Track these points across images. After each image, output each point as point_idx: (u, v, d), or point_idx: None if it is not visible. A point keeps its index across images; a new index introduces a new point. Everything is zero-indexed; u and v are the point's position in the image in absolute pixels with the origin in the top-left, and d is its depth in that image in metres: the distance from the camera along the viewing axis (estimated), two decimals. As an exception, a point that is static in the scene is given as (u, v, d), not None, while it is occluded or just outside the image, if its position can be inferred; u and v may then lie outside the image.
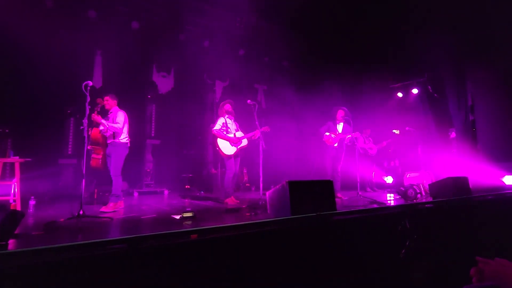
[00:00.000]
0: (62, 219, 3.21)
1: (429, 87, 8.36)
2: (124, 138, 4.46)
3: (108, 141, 4.39)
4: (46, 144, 6.31)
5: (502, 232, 3.47)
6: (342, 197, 5.38)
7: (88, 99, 3.56)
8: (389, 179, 8.09)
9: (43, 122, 6.32)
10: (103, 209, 4.09)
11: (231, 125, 5.24)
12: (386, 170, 8.43)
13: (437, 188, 4.69)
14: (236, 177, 5.28)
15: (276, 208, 3.36)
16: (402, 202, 4.68)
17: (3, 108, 5.87)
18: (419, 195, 4.89)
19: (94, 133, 4.29)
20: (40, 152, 5.92)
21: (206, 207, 4.68)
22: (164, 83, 8.19)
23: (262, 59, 9.27)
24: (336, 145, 5.86)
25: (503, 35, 6.38)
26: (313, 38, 8.40)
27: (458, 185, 4.52)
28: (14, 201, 4.17)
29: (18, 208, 4.08)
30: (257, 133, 4.99)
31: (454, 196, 4.25)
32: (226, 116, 5.24)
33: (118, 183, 4.30)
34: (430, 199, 4.75)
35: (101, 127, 4.33)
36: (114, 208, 4.17)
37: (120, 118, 4.44)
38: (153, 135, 8.18)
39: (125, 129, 4.51)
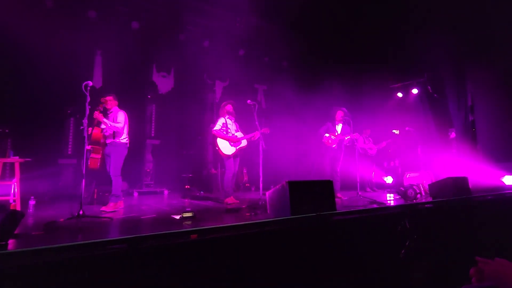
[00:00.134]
0: (62, 219, 3.21)
1: (429, 87, 8.36)
2: (124, 138, 4.47)
3: (108, 141, 4.39)
4: (46, 144, 6.30)
5: (502, 232, 3.47)
6: (342, 197, 5.38)
7: (88, 99, 3.56)
8: (389, 179, 8.09)
9: (43, 122, 6.32)
10: (103, 209, 4.10)
11: (231, 125, 5.25)
12: (386, 170, 8.43)
13: (437, 188, 4.69)
14: (235, 177, 5.29)
15: (276, 208, 3.36)
16: (402, 202, 4.68)
17: (3, 108, 5.87)
18: (419, 195, 4.90)
19: (95, 132, 4.26)
20: (40, 152, 5.92)
21: (206, 207, 4.68)
22: (164, 83, 8.19)
23: (262, 59, 9.26)
24: (335, 146, 5.88)
25: (503, 35, 6.39)
26: (313, 38, 8.40)
27: (458, 185, 4.52)
28: (14, 201, 4.17)
29: (18, 208, 4.08)
30: (256, 134, 4.99)
31: (454, 196, 4.25)
32: (227, 116, 5.25)
33: (118, 183, 4.31)
34: (430, 199, 4.76)
35: (103, 126, 4.32)
36: (114, 208, 4.17)
37: (121, 118, 4.44)
38: (153, 135, 8.18)
39: (125, 129, 4.51)
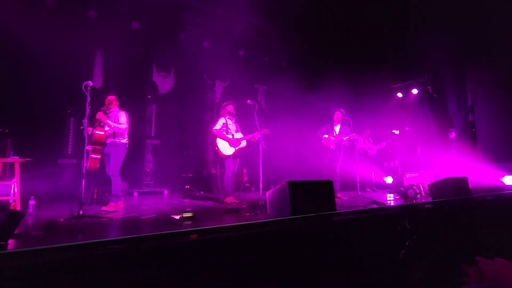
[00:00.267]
0: (62, 219, 3.21)
1: (429, 87, 8.36)
2: (124, 138, 4.46)
3: (108, 141, 4.38)
4: (46, 144, 6.31)
5: (502, 232, 3.47)
6: (342, 197, 5.39)
7: (88, 99, 3.56)
8: (388, 179, 8.09)
9: (43, 122, 6.32)
10: (104, 209, 4.10)
11: (231, 126, 5.25)
12: (386, 170, 8.43)
13: (437, 188, 4.69)
14: (235, 177, 5.30)
15: (276, 208, 3.36)
16: (401, 202, 4.68)
17: (3, 108, 5.87)
18: (418, 195, 4.90)
19: (99, 133, 4.22)
20: (40, 152, 5.92)
21: (206, 207, 4.68)
22: (164, 83, 8.19)
23: (262, 59, 9.27)
24: (333, 146, 5.91)
25: (503, 35, 6.38)
26: (313, 38, 8.40)
27: (458, 185, 4.52)
28: (14, 201, 4.17)
29: (18, 208, 4.08)
30: (256, 135, 4.99)
31: (453, 196, 4.25)
32: (227, 116, 5.25)
33: (118, 183, 4.30)
34: (429, 199, 4.76)
35: (106, 128, 4.30)
36: (115, 208, 4.18)
37: (123, 119, 4.43)
38: (153, 135, 8.18)
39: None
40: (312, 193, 3.13)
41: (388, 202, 5.06)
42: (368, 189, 7.39)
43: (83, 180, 3.55)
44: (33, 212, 4.10)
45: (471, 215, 3.85)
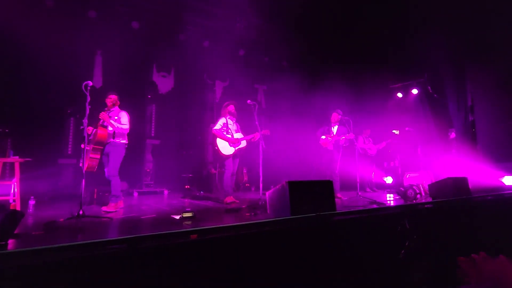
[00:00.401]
0: (62, 219, 3.21)
1: (429, 87, 8.36)
2: (124, 139, 4.44)
3: (107, 141, 4.36)
4: (46, 144, 6.31)
5: (502, 233, 3.47)
6: (342, 198, 5.39)
7: (88, 99, 3.56)
8: (388, 180, 8.09)
9: (43, 122, 6.32)
10: (104, 209, 4.09)
11: (232, 126, 5.25)
12: (386, 170, 8.43)
13: (437, 188, 4.69)
14: (234, 177, 5.30)
15: (276, 208, 3.36)
16: (401, 202, 4.68)
17: (3, 108, 5.87)
18: (418, 196, 4.90)
19: (101, 133, 4.17)
20: (40, 152, 5.92)
21: (206, 207, 4.68)
22: (164, 83, 8.19)
23: (262, 59, 9.27)
24: (331, 147, 5.96)
25: (503, 36, 6.39)
26: (313, 38, 8.40)
27: (458, 185, 4.52)
28: (14, 201, 4.17)
29: (18, 208, 4.08)
30: (256, 135, 4.99)
31: (453, 196, 4.25)
32: (228, 116, 5.25)
33: (117, 183, 4.28)
34: (429, 199, 4.76)
35: (110, 128, 4.28)
36: (115, 208, 4.17)
37: (125, 119, 4.40)
38: (153, 135, 8.18)
39: None
40: (312, 193, 3.13)
41: (388, 202, 5.06)
42: (368, 189, 7.39)
43: (83, 180, 3.55)
44: (33, 212, 4.10)
45: (471, 215, 3.85)
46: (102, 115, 4.22)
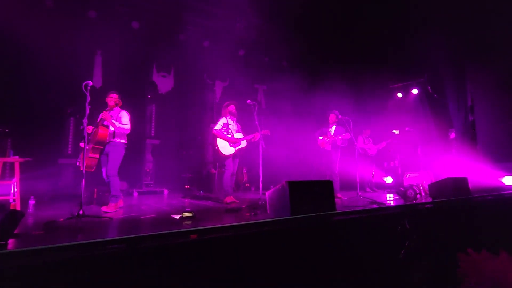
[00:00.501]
0: (61, 219, 3.21)
1: (429, 87, 8.36)
2: (123, 139, 4.43)
3: (107, 140, 4.33)
4: (46, 144, 6.30)
5: (502, 233, 3.47)
6: (342, 197, 5.39)
7: (88, 99, 3.55)
8: (388, 180, 8.09)
9: (43, 122, 6.32)
10: (104, 209, 4.09)
11: (232, 126, 5.25)
12: (386, 170, 8.43)
13: (437, 188, 4.69)
14: (234, 177, 5.30)
15: (275, 208, 3.36)
16: (401, 202, 4.68)
17: (3, 108, 5.86)
18: (418, 196, 4.90)
19: (102, 132, 4.12)
20: (40, 152, 5.92)
21: (206, 207, 4.68)
22: (164, 83, 8.20)
23: (262, 59, 9.27)
24: (329, 147, 6.00)
25: (503, 36, 6.39)
26: (313, 38, 8.40)
27: (458, 185, 4.52)
28: (14, 200, 4.17)
29: (18, 207, 4.08)
30: (257, 136, 4.99)
31: (453, 196, 4.25)
32: (229, 116, 5.25)
33: (116, 183, 4.26)
34: (429, 199, 4.76)
35: (112, 128, 4.25)
36: (115, 208, 4.17)
37: (126, 119, 4.37)
38: (153, 135, 8.18)
39: None
40: (312, 193, 3.14)
41: (388, 202, 5.06)
42: (368, 189, 7.39)
43: (83, 180, 3.54)
44: (33, 212, 4.10)
45: (471, 215, 3.85)
46: (104, 114, 4.19)
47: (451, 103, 7.66)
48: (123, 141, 4.40)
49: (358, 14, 7.52)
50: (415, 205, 4.14)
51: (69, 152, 6.90)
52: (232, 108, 5.29)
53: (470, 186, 4.71)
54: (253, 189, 8.18)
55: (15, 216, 2.20)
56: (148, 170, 7.64)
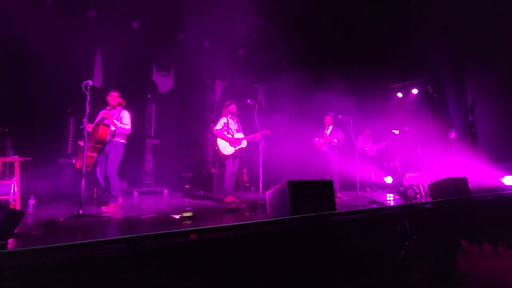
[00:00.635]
0: (61, 219, 3.21)
1: (429, 87, 8.36)
2: (123, 138, 4.41)
3: (107, 140, 4.30)
4: (46, 144, 6.30)
5: (502, 233, 3.47)
6: (341, 197, 5.39)
7: (88, 98, 3.55)
8: (388, 179, 8.09)
9: (43, 122, 6.31)
10: (104, 209, 4.09)
11: (233, 125, 5.25)
12: (386, 170, 8.43)
13: (437, 188, 4.70)
14: (234, 176, 5.29)
15: (275, 208, 3.36)
16: (401, 202, 4.68)
17: (3, 108, 5.86)
18: (418, 195, 4.90)
19: (103, 131, 4.06)
20: (39, 152, 5.91)
21: (206, 206, 4.68)
22: (164, 82, 8.19)
23: (262, 59, 9.26)
24: (325, 148, 6.15)
25: (503, 36, 6.39)
26: (313, 38, 8.40)
27: (458, 185, 4.52)
28: (14, 200, 4.17)
29: (18, 207, 4.08)
30: (257, 136, 4.99)
31: (453, 196, 4.25)
32: (229, 116, 5.25)
33: (116, 184, 4.23)
34: (429, 199, 4.76)
35: (112, 128, 4.22)
36: (115, 208, 4.16)
37: (127, 119, 4.34)
38: (153, 134, 8.18)
39: None
40: (312, 193, 3.14)
41: (388, 202, 5.06)
42: (368, 189, 7.39)
43: (83, 180, 3.54)
44: (33, 212, 4.10)
45: (471, 215, 3.85)
46: (106, 113, 4.15)
47: (451, 103, 7.66)
48: (122, 140, 4.37)
49: (358, 14, 7.52)
50: (415, 205, 4.14)
51: (69, 152, 6.90)
52: (232, 107, 5.29)
53: (470, 186, 4.71)
54: (253, 189, 8.18)
55: (15, 216, 2.19)
56: (148, 169, 7.64)
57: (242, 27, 8.07)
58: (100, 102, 4.44)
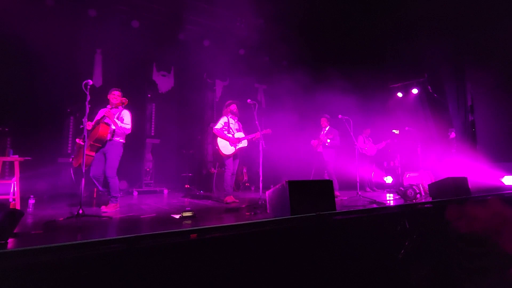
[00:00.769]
0: (61, 218, 3.21)
1: (429, 87, 8.36)
2: (122, 138, 4.38)
3: (106, 139, 4.27)
4: (45, 143, 6.30)
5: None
6: (340, 196, 5.40)
7: (88, 98, 3.54)
8: (388, 179, 8.09)
9: (42, 121, 6.32)
10: (104, 209, 4.08)
11: (233, 125, 5.24)
12: (386, 170, 8.43)
13: (437, 188, 4.70)
14: (234, 176, 5.29)
15: (275, 208, 3.36)
16: (401, 202, 4.68)
17: (3, 107, 5.86)
18: (418, 195, 4.90)
19: (103, 130, 4.02)
20: (39, 151, 5.92)
21: (206, 206, 4.68)
22: (164, 82, 8.19)
23: (262, 58, 9.26)
24: (320, 148, 6.30)
25: (503, 36, 6.39)
26: (313, 38, 8.40)
27: (458, 185, 4.52)
28: (14, 200, 4.17)
29: (18, 207, 4.07)
30: (257, 135, 4.99)
31: (453, 196, 4.25)
32: (230, 116, 5.25)
33: (116, 184, 4.21)
34: (429, 199, 4.76)
35: (113, 127, 4.19)
36: (115, 208, 4.16)
37: (128, 119, 4.31)
38: (153, 134, 8.18)
39: None
40: (312, 193, 3.14)
41: (388, 202, 5.06)
42: (368, 189, 7.39)
43: (83, 179, 3.54)
44: (33, 211, 4.10)
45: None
46: (107, 112, 4.12)
47: (451, 103, 7.66)
48: (121, 140, 4.34)
49: (359, 13, 7.52)
50: (415, 205, 4.14)
51: (69, 151, 6.90)
52: (233, 107, 5.29)
53: (470, 186, 4.71)
54: (253, 188, 8.18)
55: (15, 216, 2.19)
56: (148, 169, 7.64)
57: (242, 26, 8.07)
58: (100, 102, 4.43)
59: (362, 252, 2.76)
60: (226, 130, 5.13)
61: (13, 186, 4.21)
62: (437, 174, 6.71)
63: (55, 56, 6.07)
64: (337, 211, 3.10)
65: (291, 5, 6.66)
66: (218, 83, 8.99)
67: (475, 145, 7.22)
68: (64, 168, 6.67)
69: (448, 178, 4.60)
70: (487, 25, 6.58)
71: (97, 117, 4.32)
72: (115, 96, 4.29)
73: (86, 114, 3.56)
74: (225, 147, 5.06)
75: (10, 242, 2.08)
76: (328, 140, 6.13)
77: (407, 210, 3.48)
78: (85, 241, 1.86)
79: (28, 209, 4.17)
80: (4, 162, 4.48)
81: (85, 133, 3.60)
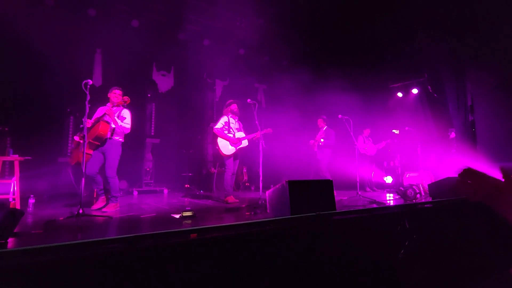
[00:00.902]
0: (61, 218, 3.21)
1: (429, 87, 8.36)
2: (121, 137, 4.38)
3: (106, 137, 4.25)
4: (45, 143, 6.30)
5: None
6: (336, 196, 5.42)
7: (88, 97, 3.54)
8: (388, 179, 8.09)
9: (42, 121, 6.31)
10: (104, 209, 4.09)
11: (234, 124, 5.24)
12: (386, 170, 8.43)
13: (437, 188, 4.69)
14: (234, 176, 5.30)
15: (275, 207, 3.36)
16: (401, 202, 4.69)
17: (3, 107, 5.86)
18: (418, 195, 4.90)
19: (103, 128, 4.00)
20: (39, 151, 5.91)
21: (206, 206, 4.68)
22: (164, 82, 8.19)
23: (262, 58, 9.26)
24: (316, 149, 6.58)
25: (503, 35, 6.38)
26: (313, 37, 8.40)
27: (458, 185, 4.51)
28: (14, 199, 4.17)
29: (18, 206, 4.08)
30: (258, 135, 4.99)
31: (453, 196, 4.25)
32: (230, 115, 5.24)
33: (116, 184, 4.20)
34: (429, 199, 4.76)
35: (113, 125, 4.16)
36: (115, 208, 4.16)
37: (128, 119, 4.30)
38: (152, 134, 8.18)
39: None
40: (312, 193, 3.14)
41: (388, 202, 5.06)
42: (368, 189, 7.39)
43: (83, 179, 3.54)
44: (33, 211, 4.10)
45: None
46: (109, 110, 4.10)
47: (451, 103, 7.65)
48: (121, 139, 4.34)
49: (359, 13, 7.51)
50: (415, 204, 4.14)
51: (69, 151, 6.90)
52: (234, 107, 5.29)
53: (470, 186, 4.70)
54: (253, 188, 8.18)
55: (15, 215, 2.19)
56: (148, 169, 7.64)
57: (242, 26, 8.07)
58: (100, 102, 4.42)
59: (362, 252, 2.76)
60: (226, 129, 5.13)
61: (13, 186, 4.21)
62: (437, 174, 6.71)
63: (55, 55, 6.07)
64: (337, 211, 3.10)
65: (291, 5, 6.66)
66: (218, 83, 8.99)
67: (475, 145, 7.22)
68: (64, 167, 6.66)
69: (448, 178, 4.60)
70: (487, 25, 6.58)
71: (96, 114, 4.31)
72: (116, 95, 4.28)
73: (86, 114, 3.56)
74: (225, 147, 5.06)
75: (10, 241, 2.08)
76: (322, 140, 6.35)
77: (407, 210, 3.48)
78: (85, 240, 1.86)
79: (28, 209, 4.17)
80: (4, 162, 4.48)
81: (85, 132, 3.60)
